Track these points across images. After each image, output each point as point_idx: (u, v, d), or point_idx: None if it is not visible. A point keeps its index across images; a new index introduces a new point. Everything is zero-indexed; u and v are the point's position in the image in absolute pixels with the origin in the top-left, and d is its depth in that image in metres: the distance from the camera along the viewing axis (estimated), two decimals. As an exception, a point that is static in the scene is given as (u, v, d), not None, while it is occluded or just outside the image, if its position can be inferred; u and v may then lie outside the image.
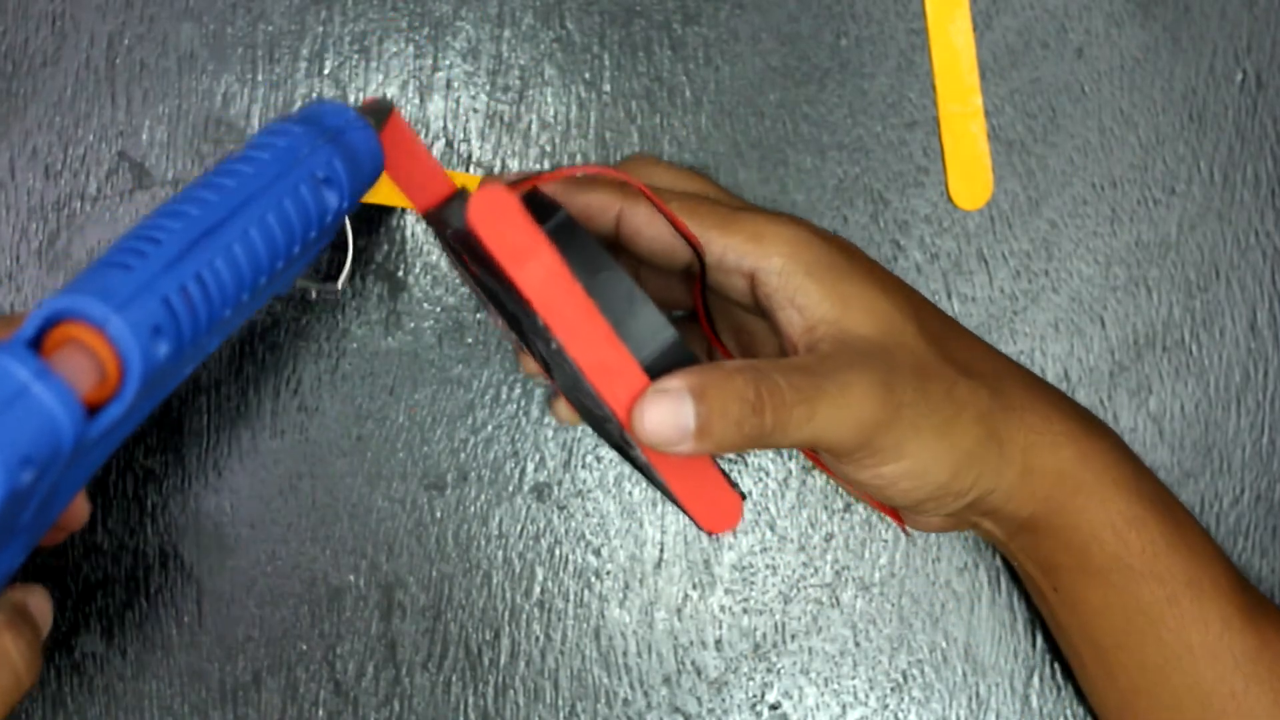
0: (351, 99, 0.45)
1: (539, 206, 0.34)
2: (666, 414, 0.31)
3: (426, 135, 0.46)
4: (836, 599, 0.46)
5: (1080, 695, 0.45)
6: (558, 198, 0.36)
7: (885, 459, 0.35)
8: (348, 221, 0.39)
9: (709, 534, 0.33)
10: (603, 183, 0.38)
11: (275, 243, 0.34)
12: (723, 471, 0.33)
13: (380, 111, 0.38)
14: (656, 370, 0.31)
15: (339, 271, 0.42)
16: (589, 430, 0.45)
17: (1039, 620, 0.45)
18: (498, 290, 0.34)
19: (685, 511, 0.33)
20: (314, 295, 0.43)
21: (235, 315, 0.34)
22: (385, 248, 0.45)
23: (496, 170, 0.46)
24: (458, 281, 0.45)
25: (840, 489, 0.46)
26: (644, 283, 0.42)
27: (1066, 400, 0.41)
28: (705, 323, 0.39)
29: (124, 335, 0.30)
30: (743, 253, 0.36)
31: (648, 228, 0.37)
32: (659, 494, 0.34)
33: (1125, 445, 0.42)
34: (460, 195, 0.38)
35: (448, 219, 0.36)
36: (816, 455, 0.39)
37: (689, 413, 0.31)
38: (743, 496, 0.33)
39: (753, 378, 0.32)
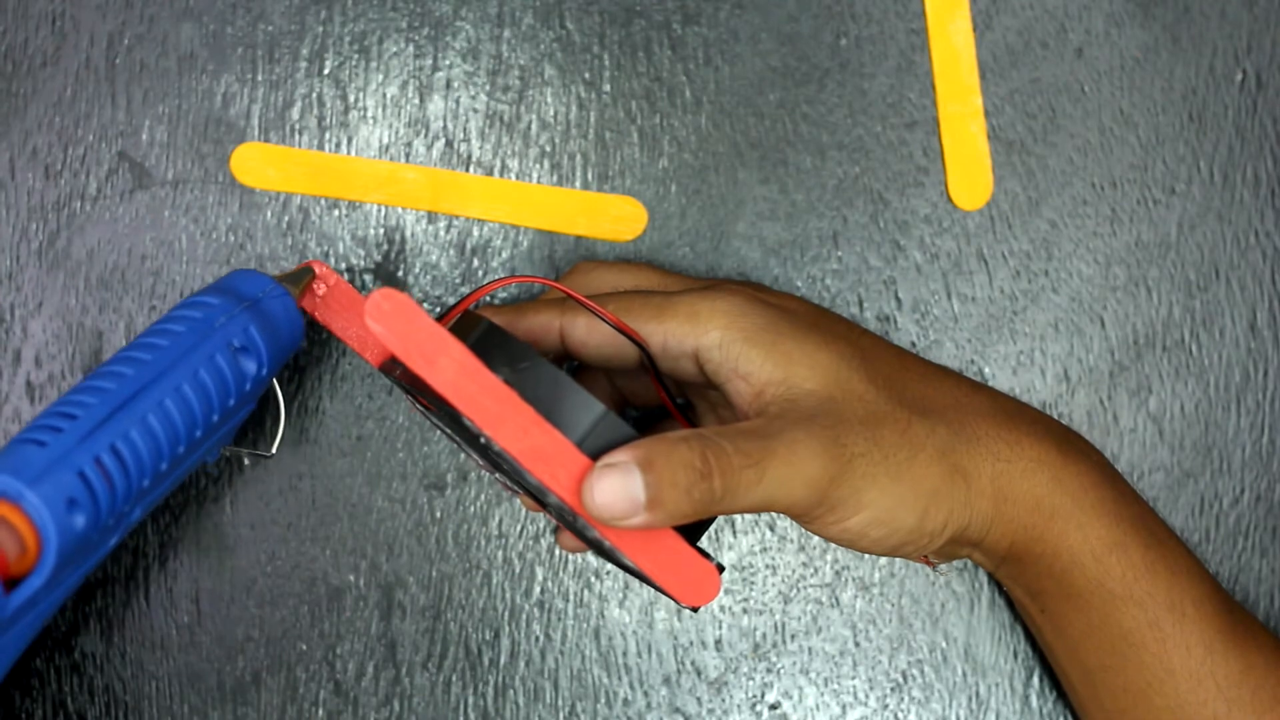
0: (351, 99, 0.46)
1: (465, 325, 0.34)
2: (616, 488, 0.31)
3: (426, 135, 0.46)
4: (836, 599, 0.46)
5: (1080, 695, 0.45)
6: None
7: (846, 512, 0.35)
8: (277, 386, 0.41)
9: (691, 610, 0.32)
10: (540, 305, 0.39)
11: (192, 412, 0.36)
12: (693, 544, 0.33)
13: (299, 278, 0.39)
14: (596, 449, 0.32)
15: (274, 434, 0.43)
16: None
17: (1039, 620, 0.45)
18: (452, 422, 0.33)
19: (662, 590, 0.33)
20: (246, 461, 0.44)
21: (157, 484, 0.36)
22: (385, 247, 0.45)
23: (496, 171, 0.46)
24: (458, 281, 0.46)
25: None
26: (622, 391, 0.42)
27: (1042, 423, 0.41)
28: (673, 409, 0.39)
29: (39, 508, 0.31)
30: (681, 335, 0.37)
31: (590, 336, 0.38)
32: (655, 590, 0.34)
33: (1107, 465, 0.42)
34: None
35: (399, 363, 0.36)
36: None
37: (638, 484, 0.31)
38: (720, 568, 0.33)
39: (698, 445, 0.32)
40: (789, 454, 0.33)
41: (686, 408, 0.43)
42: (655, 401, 0.43)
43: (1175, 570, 0.39)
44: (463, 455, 0.45)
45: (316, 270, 0.40)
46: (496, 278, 0.45)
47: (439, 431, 0.44)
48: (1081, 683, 0.41)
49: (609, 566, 0.45)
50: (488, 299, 0.45)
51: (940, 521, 0.37)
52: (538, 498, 0.36)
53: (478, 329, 0.34)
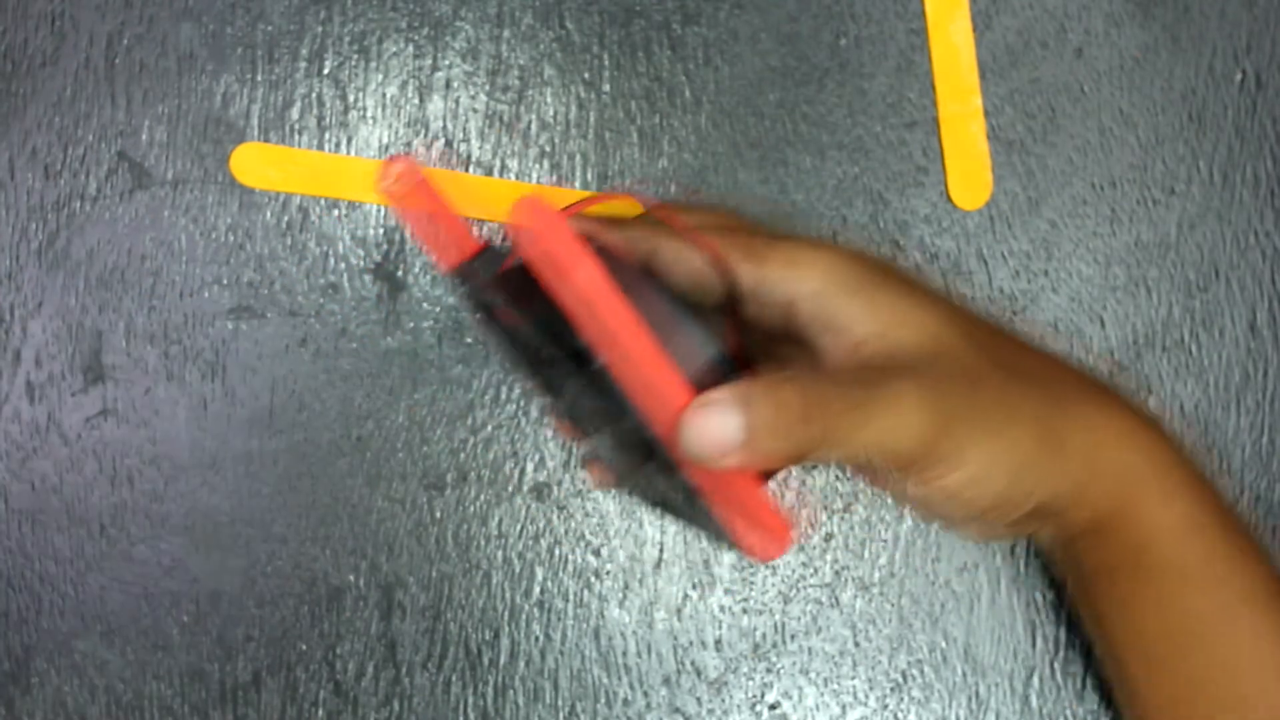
0: (351, 99, 0.45)
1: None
2: (713, 426, 0.30)
3: (426, 135, 0.46)
4: (836, 599, 0.46)
5: (1080, 695, 0.45)
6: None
7: (945, 469, 0.34)
8: None
9: (761, 561, 0.32)
10: (632, 223, 0.38)
11: None
12: (772, 498, 0.32)
13: None
14: (700, 385, 0.31)
15: None
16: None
17: (1038, 620, 0.45)
18: (531, 336, 0.33)
19: (733, 541, 0.32)
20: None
21: None
22: (385, 247, 0.45)
23: (495, 171, 0.46)
24: (457, 280, 0.45)
25: (840, 491, 0.46)
26: None
27: (1129, 400, 0.40)
28: (744, 356, 0.39)
29: None
30: (777, 281, 0.36)
31: (678, 266, 0.37)
32: (707, 537, 0.34)
33: (1187, 448, 0.41)
34: (488, 250, 0.37)
35: (477, 269, 0.36)
36: (874, 476, 0.38)
37: (735, 424, 0.30)
38: (794, 523, 0.32)
39: (800, 387, 0.31)
40: (894, 404, 0.32)
41: (751, 357, 0.42)
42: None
43: (1250, 557, 0.39)
44: (462, 455, 0.45)
45: (405, 165, 0.39)
46: (598, 191, 0.44)
47: (496, 350, 0.43)
48: (1138, 667, 0.40)
49: (609, 566, 0.45)
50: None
51: (1030, 487, 0.36)
52: (597, 427, 0.35)
53: (592, 245, 0.33)
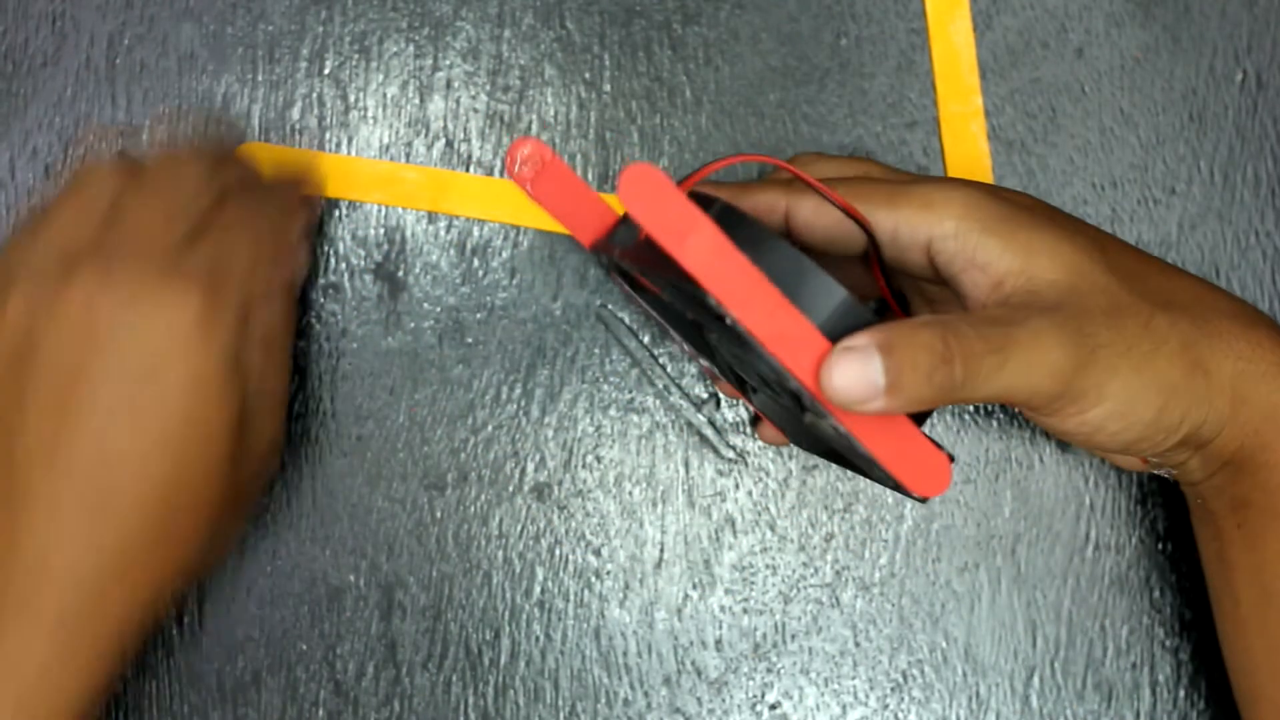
0: (352, 99, 0.46)
1: (698, 202, 0.34)
2: (855, 372, 0.30)
3: (426, 135, 0.46)
4: (836, 599, 0.46)
5: (1080, 695, 0.45)
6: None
7: (1087, 404, 0.34)
8: None
9: (920, 500, 0.32)
10: (765, 185, 0.38)
11: None
12: (926, 435, 0.32)
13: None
14: (836, 333, 0.31)
15: None
16: (588, 430, 0.45)
17: (1038, 620, 0.45)
18: (674, 301, 0.33)
19: (892, 480, 0.32)
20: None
21: None
22: (385, 247, 0.45)
23: (496, 171, 0.46)
24: (458, 281, 0.45)
25: (841, 491, 0.46)
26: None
27: None
28: (892, 301, 0.39)
29: None
30: (914, 224, 0.36)
31: (817, 219, 0.37)
32: (860, 477, 0.34)
33: None
34: (625, 221, 0.38)
35: (615, 242, 0.36)
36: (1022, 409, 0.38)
37: (877, 368, 0.30)
38: (951, 458, 0.32)
39: (940, 329, 0.31)
40: (1033, 341, 0.33)
41: (901, 300, 0.42)
42: (868, 294, 0.42)
43: None
44: (462, 455, 0.45)
45: (531, 147, 0.39)
46: (722, 156, 0.44)
47: (646, 316, 0.43)
48: (1255, 607, 0.39)
49: (609, 566, 0.45)
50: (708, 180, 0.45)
51: (1178, 417, 0.36)
52: (755, 384, 0.35)
53: (713, 207, 0.33)
